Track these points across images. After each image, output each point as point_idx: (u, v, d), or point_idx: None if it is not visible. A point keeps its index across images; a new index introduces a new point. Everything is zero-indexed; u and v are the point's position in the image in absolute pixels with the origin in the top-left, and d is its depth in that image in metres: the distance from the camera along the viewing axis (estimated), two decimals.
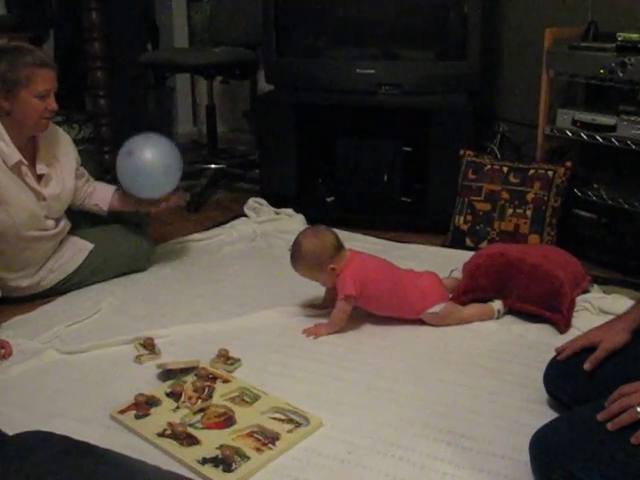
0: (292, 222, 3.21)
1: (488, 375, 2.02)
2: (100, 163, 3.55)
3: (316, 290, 2.46)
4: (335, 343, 2.20)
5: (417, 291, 2.28)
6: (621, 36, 2.63)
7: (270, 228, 3.18)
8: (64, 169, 2.49)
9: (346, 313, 2.25)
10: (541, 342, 2.17)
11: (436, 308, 2.28)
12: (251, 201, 3.37)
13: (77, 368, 2.06)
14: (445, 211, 3.08)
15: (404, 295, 2.27)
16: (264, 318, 2.35)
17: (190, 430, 1.75)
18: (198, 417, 1.81)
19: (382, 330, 2.29)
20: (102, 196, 2.65)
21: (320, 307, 2.40)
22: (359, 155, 3.39)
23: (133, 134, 2.59)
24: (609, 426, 1.40)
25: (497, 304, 2.34)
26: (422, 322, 2.31)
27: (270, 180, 3.49)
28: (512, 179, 2.91)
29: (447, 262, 2.74)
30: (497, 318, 2.33)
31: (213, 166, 3.96)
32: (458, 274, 2.49)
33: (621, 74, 2.60)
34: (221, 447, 1.67)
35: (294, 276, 2.42)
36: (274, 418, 1.79)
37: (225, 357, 2.07)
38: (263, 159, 3.52)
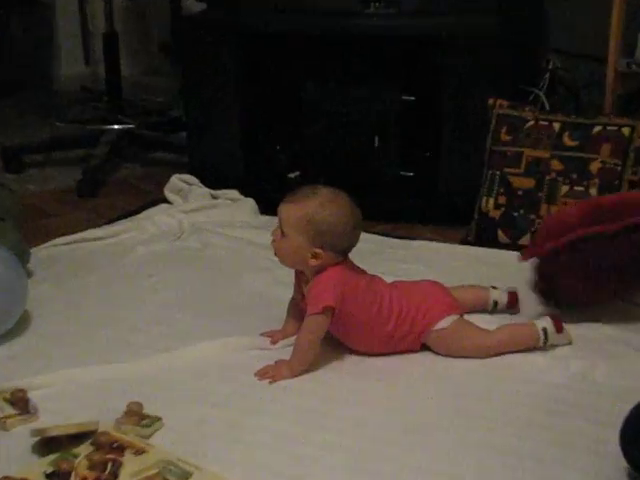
0: (237, 210, 3.22)
1: (538, 437, 2.00)
2: None
3: (275, 311, 2.46)
4: (303, 390, 2.19)
5: (416, 313, 2.30)
6: None
7: (204, 219, 3.19)
8: None
9: (318, 335, 2.24)
10: (613, 385, 2.17)
11: (442, 323, 2.30)
12: (175, 179, 3.38)
13: None
14: (466, 191, 3.10)
15: (394, 327, 2.28)
16: (197, 355, 2.34)
17: None
18: None
19: (371, 368, 2.28)
20: None
21: (280, 336, 2.39)
22: (336, 110, 3.40)
23: None
24: None
25: (543, 322, 2.33)
26: (428, 350, 2.33)
27: (203, 148, 3.49)
28: (567, 141, 2.93)
29: (470, 267, 2.76)
30: (544, 343, 2.32)
31: (116, 127, 3.98)
32: (499, 295, 2.48)
33: None
34: None
35: (240, 290, 2.39)
36: None
37: (138, 415, 2.04)
38: (192, 116, 3.50)
